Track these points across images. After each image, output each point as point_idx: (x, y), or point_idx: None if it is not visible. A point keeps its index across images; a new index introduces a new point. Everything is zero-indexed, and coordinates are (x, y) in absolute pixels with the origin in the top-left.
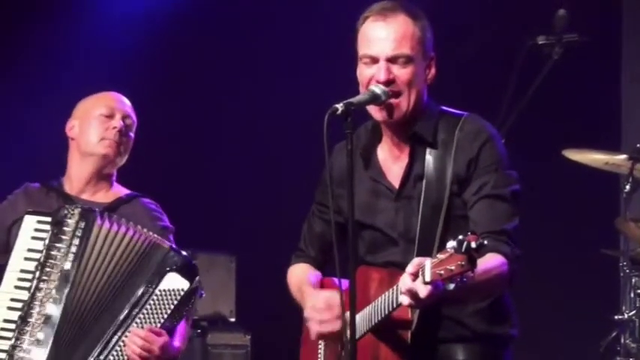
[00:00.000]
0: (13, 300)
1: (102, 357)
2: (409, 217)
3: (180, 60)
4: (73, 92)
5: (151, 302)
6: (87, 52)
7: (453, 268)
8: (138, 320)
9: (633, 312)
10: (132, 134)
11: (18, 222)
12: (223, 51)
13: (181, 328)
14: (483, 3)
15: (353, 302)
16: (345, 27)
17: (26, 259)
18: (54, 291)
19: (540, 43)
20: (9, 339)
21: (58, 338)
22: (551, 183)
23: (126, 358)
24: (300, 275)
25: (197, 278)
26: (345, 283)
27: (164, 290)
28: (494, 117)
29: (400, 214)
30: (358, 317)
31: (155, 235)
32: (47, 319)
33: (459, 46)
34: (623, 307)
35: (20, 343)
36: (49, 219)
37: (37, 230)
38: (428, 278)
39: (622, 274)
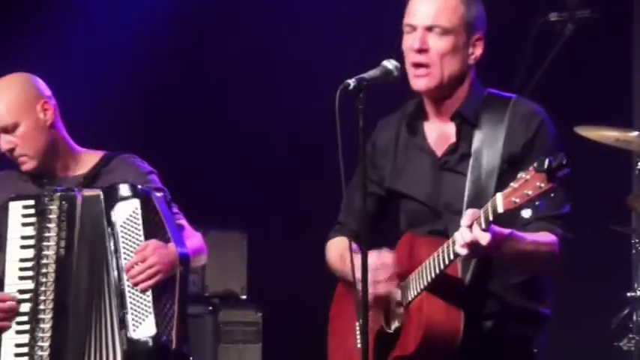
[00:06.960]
0: (20, 292)
1: (128, 316)
2: (454, 190)
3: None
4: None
5: (122, 240)
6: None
7: (529, 192)
8: (124, 261)
9: None
10: (25, 124)
11: (2, 212)
12: (239, 29)
13: (187, 236)
14: None
15: (365, 269)
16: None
17: (22, 247)
18: (54, 281)
19: (552, 19)
20: (26, 332)
21: (74, 320)
22: None
23: (145, 296)
24: (341, 245)
25: (140, 187)
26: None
27: (123, 223)
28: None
29: (445, 186)
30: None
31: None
32: (57, 305)
33: None
34: (635, 284)
35: (37, 333)
36: (33, 202)
37: (25, 216)
38: (501, 209)
39: (634, 251)
